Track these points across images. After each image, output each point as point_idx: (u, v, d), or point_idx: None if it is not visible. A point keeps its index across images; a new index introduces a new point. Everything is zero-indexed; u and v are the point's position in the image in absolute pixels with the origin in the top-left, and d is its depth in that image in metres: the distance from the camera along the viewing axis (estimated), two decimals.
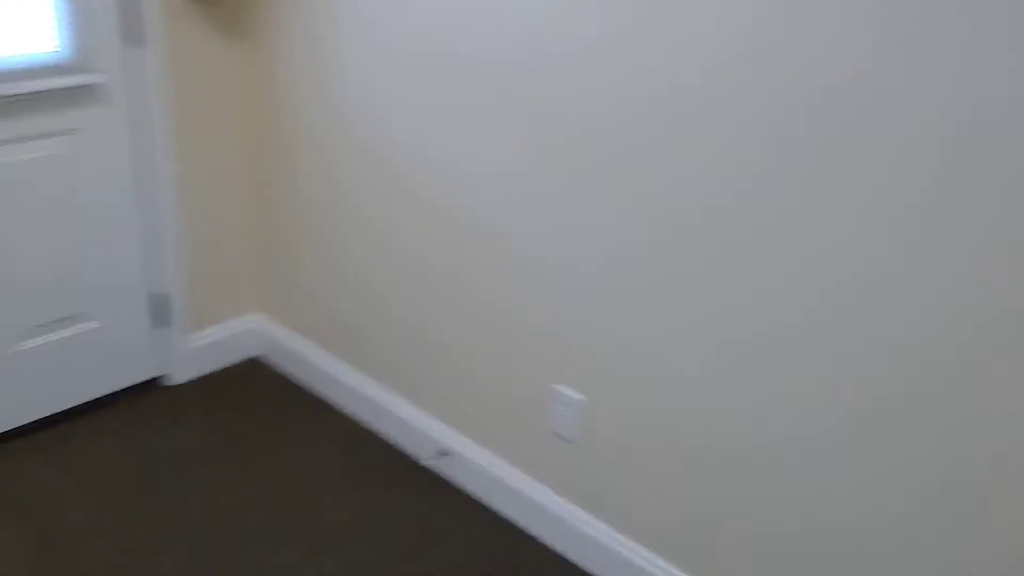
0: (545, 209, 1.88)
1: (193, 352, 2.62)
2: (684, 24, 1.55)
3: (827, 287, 1.50)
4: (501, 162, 1.93)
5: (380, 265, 2.31)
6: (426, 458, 2.34)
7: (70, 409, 2.45)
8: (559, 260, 1.89)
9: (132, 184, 2.35)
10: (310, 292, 2.56)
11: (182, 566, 1.97)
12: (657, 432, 1.83)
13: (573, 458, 2.01)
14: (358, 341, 2.46)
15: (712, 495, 1.78)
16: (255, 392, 2.62)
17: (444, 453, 2.29)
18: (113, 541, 2.02)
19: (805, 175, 1.47)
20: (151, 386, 2.60)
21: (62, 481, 2.19)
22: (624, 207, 1.74)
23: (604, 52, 1.68)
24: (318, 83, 2.27)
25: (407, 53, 2.03)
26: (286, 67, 2.36)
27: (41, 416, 2.38)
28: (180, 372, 2.62)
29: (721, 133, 1.56)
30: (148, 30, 2.21)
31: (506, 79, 1.86)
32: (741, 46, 1.49)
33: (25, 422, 2.36)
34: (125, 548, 2.01)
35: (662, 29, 1.58)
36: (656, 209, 1.69)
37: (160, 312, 2.53)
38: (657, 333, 1.77)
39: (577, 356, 1.93)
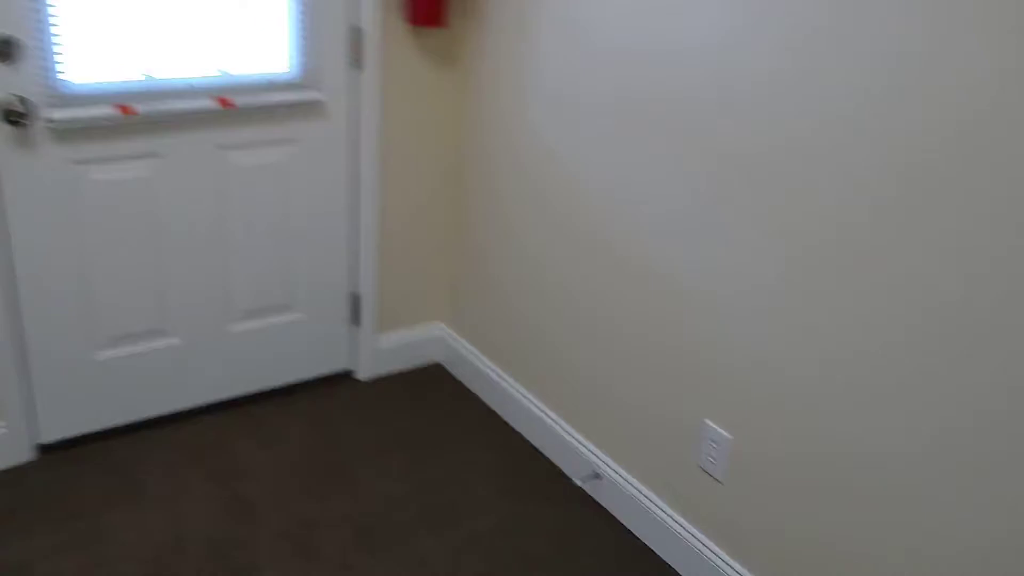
0: (711, 246, 1.89)
1: (381, 351, 2.83)
2: (841, 60, 1.53)
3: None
4: (671, 198, 1.97)
5: (554, 294, 2.40)
6: (578, 478, 2.40)
7: (270, 390, 2.73)
8: (724, 296, 1.89)
9: (343, 192, 2.60)
10: (490, 309, 2.69)
11: (342, 545, 2.15)
12: (807, 477, 1.78)
13: (718, 496, 1.99)
14: (528, 360, 2.56)
15: (866, 544, 1.71)
16: (430, 395, 2.79)
17: (595, 476, 2.33)
18: (288, 515, 2.24)
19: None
20: (341, 378, 2.84)
21: (255, 454, 2.45)
22: (795, 248, 1.73)
23: (779, 86, 1.68)
24: (519, 114, 2.41)
25: (604, 95, 2.12)
26: (490, 95, 2.52)
27: (244, 392, 2.67)
28: (367, 368, 2.84)
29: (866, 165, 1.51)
30: (368, 56, 2.44)
31: (678, 116, 1.90)
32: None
33: (230, 396, 2.65)
34: (299, 521, 2.21)
35: (827, 64, 1.57)
36: (827, 253, 1.66)
37: (355, 311, 2.76)
38: (813, 376, 1.73)
39: (731, 393, 1.92)
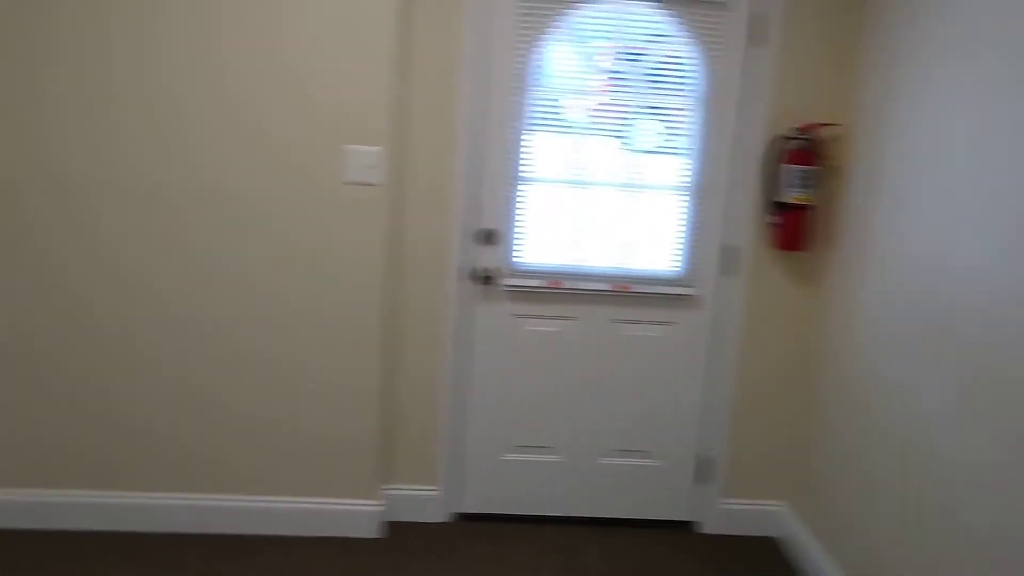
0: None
1: (721, 512, 3.31)
2: None
3: None
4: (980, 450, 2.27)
5: (890, 502, 2.71)
6: None
7: (621, 519, 3.36)
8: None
9: (703, 369, 3.24)
10: (831, 498, 3.04)
11: None
12: None
13: None
14: (865, 559, 2.84)
15: None
16: (759, 567, 3.16)
17: None
18: None
19: None
20: (681, 526, 3.36)
21: (599, 565, 3.08)
22: None
23: None
24: (856, 330, 2.88)
25: (903, 327, 2.54)
26: (840, 308, 3.01)
27: (599, 515, 3.34)
28: (705, 524, 3.32)
29: None
30: (739, 267, 3.13)
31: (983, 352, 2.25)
32: None
33: (587, 515, 3.35)
34: None
35: None
36: None
37: (703, 470, 3.31)
38: None
39: None
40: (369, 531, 3.11)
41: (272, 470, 3.06)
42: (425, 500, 3.25)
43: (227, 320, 2.95)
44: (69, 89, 2.75)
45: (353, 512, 3.09)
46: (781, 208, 3.03)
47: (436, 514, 3.27)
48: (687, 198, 3.12)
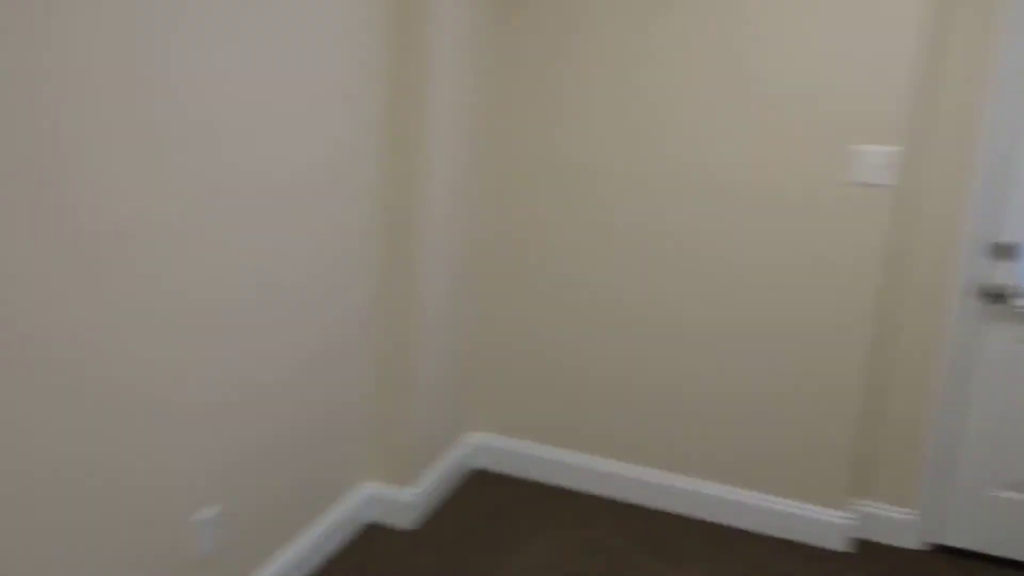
0: None
1: None
2: None
3: None
4: None
5: None
6: None
7: None
8: None
9: None
10: None
11: None
12: None
13: None
14: None
15: None
16: None
17: None
18: None
19: None
20: None
21: None
22: None
23: None
24: None
25: None
26: None
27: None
28: None
29: None
30: None
31: None
32: None
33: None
34: None
35: None
36: None
37: None
38: None
39: None
40: (836, 543, 3.03)
41: (748, 462, 3.12)
42: (899, 523, 3.07)
43: (718, 308, 3.05)
44: (609, 91, 3.05)
45: (821, 520, 3.03)
46: None
47: (909, 540, 3.07)
48: None
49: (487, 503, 3.17)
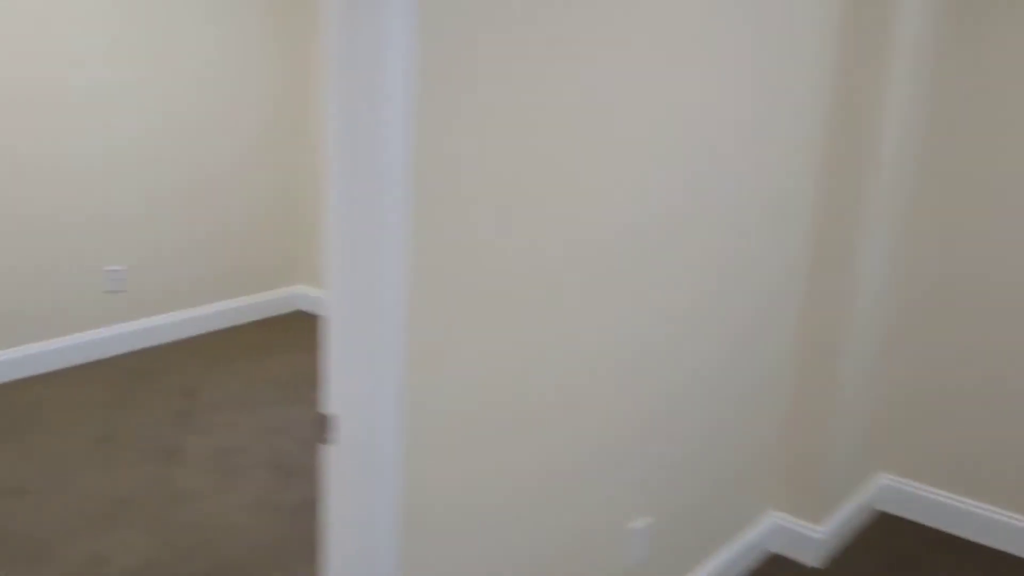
0: None
1: None
2: None
3: None
4: None
5: None
6: None
7: None
8: None
9: None
10: None
11: None
12: None
13: None
14: None
15: None
16: None
17: None
18: None
19: None
20: None
21: None
22: None
23: None
24: None
25: None
26: None
27: None
28: None
29: None
30: None
31: None
32: None
33: None
34: None
35: None
36: None
37: None
38: None
39: None
40: None
41: None
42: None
43: None
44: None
45: None
46: None
47: None
48: None
49: (892, 550, 2.96)
